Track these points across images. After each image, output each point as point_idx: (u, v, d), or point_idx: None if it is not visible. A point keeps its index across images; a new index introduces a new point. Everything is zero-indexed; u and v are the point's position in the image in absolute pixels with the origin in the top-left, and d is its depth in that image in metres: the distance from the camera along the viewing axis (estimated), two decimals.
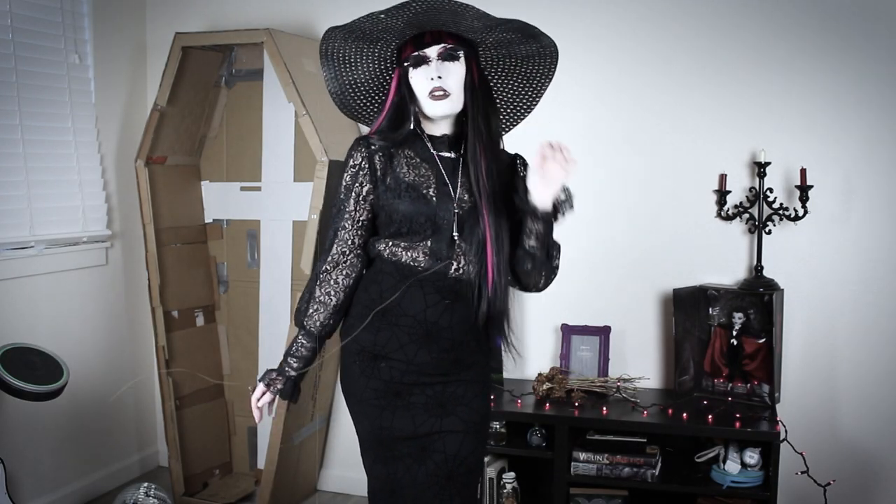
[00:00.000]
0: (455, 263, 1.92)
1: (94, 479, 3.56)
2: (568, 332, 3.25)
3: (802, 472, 2.86)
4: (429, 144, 1.97)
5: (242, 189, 3.59)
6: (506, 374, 3.28)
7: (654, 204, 3.19)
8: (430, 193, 1.92)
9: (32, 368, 2.73)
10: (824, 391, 3.05)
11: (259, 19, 3.57)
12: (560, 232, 3.43)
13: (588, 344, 3.23)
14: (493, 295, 1.93)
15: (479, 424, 2.01)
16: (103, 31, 3.55)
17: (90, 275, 3.52)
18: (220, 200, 3.64)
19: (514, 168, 2.05)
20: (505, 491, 3.05)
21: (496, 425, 3.03)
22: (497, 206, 1.92)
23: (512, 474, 3.07)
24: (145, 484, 3.07)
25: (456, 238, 1.92)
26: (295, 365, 1.98)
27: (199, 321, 3.64)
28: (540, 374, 3.14)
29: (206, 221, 3.67)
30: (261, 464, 3.53)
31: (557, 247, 1.99)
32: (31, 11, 3.22)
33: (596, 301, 3.27)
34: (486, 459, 3.07)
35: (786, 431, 2.82)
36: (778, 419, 2.83)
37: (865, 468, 3.02)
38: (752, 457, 2.79)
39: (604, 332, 3.21)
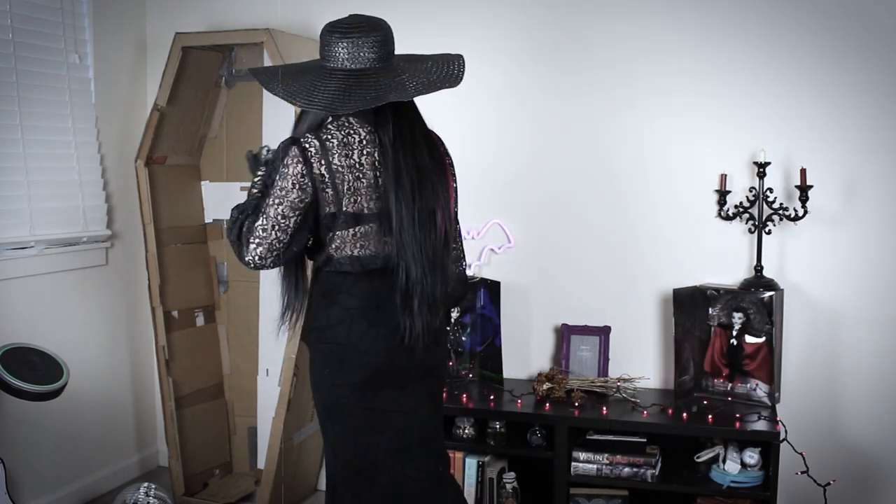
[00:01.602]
0: None
1: (94, 479, 3.56)
2: (568, 332, 3.25)
3: (802, 472, 2.86)
4: None
5: (242, 189, 3.58)
6: (506, 375, 3.28)
7: (654, 204, 3.19)
8: None
9: (32, 368, 2.73)
10: (824, 391, 3.05)
11: (259, 19, 3.57)
12: (562, 232, 3.44)
13: (588, 344, 3.23)
14: None
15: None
16: (103, 31, 3.55)
17: (90, 275, 3.52)
18: (220, 200, 3.64)
19: None
20: (505, 491, 3.05)
21: (497, 425, 3.03)
22: None
23: (512, 474, 3.07)
24: (145, 484, 3.07)
25: None
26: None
27: (199, 321, 3.64)
28: (540, 374, 3.14)
29: (206, 221, 3.67)
30: (261, 464, 3.52)
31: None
32: (31, 11, 3.22)
33: (596, 301, 3.27)
34: (486, 459, 3.07)
35: (786, 431, 2.82)
36: (778, 419, 2.83)
37: (865, 468, 3.02)
38: (751, 457, 2.79)
39: (604, 332, 3.21)
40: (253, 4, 3.61)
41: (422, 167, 2.06)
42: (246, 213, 2.05)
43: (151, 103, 3.46)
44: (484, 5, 3.32)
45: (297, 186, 1.98)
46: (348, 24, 2.04)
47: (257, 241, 1.99)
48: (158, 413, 3.86)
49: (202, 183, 3.66)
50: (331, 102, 1.96)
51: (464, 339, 3.30)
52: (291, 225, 1.99)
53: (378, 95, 1.97)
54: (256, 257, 2.00)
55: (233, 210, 2.09)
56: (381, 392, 2.08)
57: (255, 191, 2.11)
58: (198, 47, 3.37)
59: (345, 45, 2.01)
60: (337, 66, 2.03)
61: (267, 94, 3.46)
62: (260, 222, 1.99)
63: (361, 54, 2.01)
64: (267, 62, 3.40)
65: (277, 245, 1.99)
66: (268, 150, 2.18)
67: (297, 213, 1.99)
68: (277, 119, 3.44)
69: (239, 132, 3.60)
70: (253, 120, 3.53)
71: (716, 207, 3.11)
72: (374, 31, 2.03)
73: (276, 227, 1.98)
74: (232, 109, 3.62)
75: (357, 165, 2.01)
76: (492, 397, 3.10)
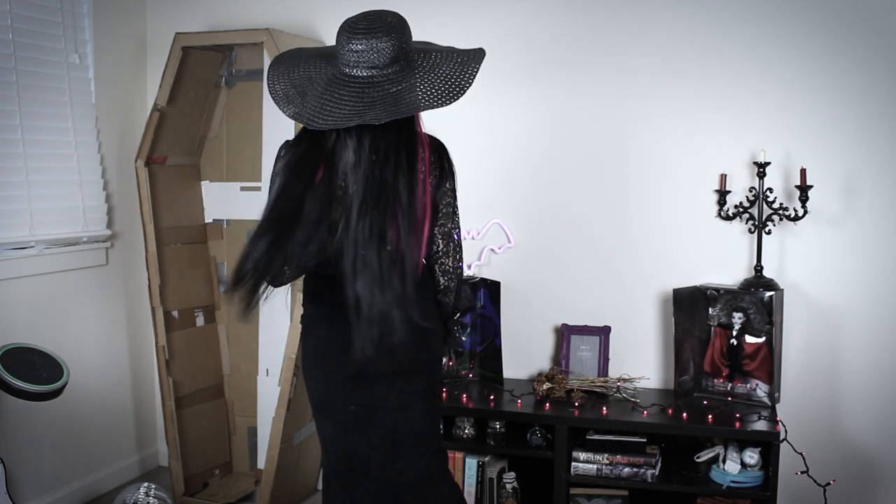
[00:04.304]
0: None
1: (94, 479, 3.56)
2: (568, 332, 3.25)
3: (802, 472, 2.86)
4: None
5: (242, 189, 3.59)
6: (506, 375, 3.28)
7: (654, 204, 3.19)
8: None
9: (32, 368, 2.73)
10: (824, 391, 3.05)
11: (259, 19, 3.57)
12: (562, 232, 3.44)
13: (588, 344, 3.23)
14: None
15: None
16: (103, 31, 3.55)
17: (90, 275, 3.52)
18: (220, 200, 3.64)
19: None
20: (505, 491, 3.05)
21: (497, 425, 3.03)
22: None
23: (512, 474, 3.07)
24: (145, 484, 3.07)
25: None
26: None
27: (199, 321, 3.64)
28: (540, 374, 3.15)
29: (206, 221, 3.68)
30: (261, 464, 3.52)
31: None
32: (31, 11, 3.22)
33: (596, 301, 3.27)
34: (486, 459, 3.07)
35: (786, 431, 2.82)
36: (778, 419, 2.83)
37: (865, 468, 3.02)
38: (751, 457, 2.79)
39: (604, 332, 3.21)
40: (253, 4, 3.61)
41: (385, 182, 1.91)
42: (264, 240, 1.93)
43: (151, 103, 3.46)
44: (482, 4, 3.32)
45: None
46: (356, 25, 1.93)
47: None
48: (158, 413, 3.86)
49: (202, 183, 3.66)
50: (312, 117, 1.90)
51: (464, 339, 3.30)
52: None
53: (357, 111, 1.88)
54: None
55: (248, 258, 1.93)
56: (368, 389, 2.06)
57: None
58: (198, 47, 3.37)
59: (351, 48, 1.91)
60: (346, 71, 1.95)
61: (267, 95, 3.46)
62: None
63: (368, 58, 1.91)
64: (267, 62, 3.40)
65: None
66: None
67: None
68: (278, 119, 3.44)
69: (239, 132, 3.60)
70: (253, 120, 3.53)
71: (716, 207, 3.11)
72: (375, 33, 1.91)
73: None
74: (232, 109, 3.62)
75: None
76: (492, 397, 3.10)
